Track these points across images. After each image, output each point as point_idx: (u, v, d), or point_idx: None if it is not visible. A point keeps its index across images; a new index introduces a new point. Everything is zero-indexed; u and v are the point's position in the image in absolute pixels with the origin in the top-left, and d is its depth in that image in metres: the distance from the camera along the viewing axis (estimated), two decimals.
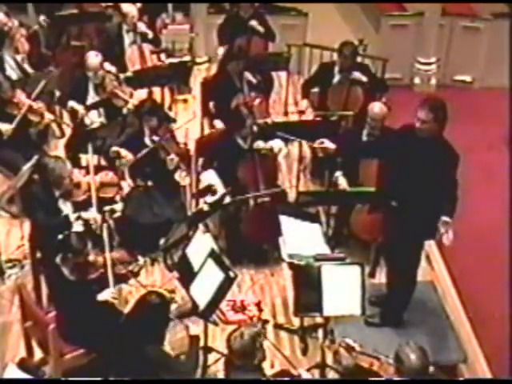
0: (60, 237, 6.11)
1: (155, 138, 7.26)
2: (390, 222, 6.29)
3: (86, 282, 5.85)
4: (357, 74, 8.15)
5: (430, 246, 7.39)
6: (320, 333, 6.39)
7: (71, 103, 7.97)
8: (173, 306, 6.10)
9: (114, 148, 7.25)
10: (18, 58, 8.59)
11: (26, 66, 8.63)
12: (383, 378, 5.38)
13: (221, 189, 7.06)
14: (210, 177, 7.23)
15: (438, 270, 7.36)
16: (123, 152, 7.19)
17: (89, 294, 5.84)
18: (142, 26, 9.18)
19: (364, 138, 7.16)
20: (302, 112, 8.38)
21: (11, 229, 7.51)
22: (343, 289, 5.75)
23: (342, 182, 7.02)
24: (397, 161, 6.20)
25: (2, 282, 7.00)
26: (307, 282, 5.77)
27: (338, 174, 7.06)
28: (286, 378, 5.53)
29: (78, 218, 6.35)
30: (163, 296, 5.56)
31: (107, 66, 8.55)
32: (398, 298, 6.54)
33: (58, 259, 5.84)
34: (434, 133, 5.88)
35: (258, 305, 6.80)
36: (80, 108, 7.92)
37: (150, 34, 9.21)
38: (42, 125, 7.74)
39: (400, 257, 6.32)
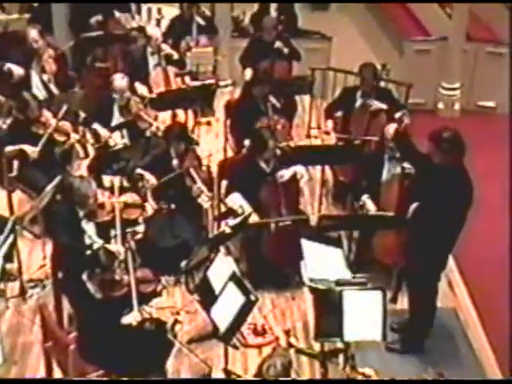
0: (88, 252, 6.15)
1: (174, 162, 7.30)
2: (411, 247, 6.27)
3: (110, 300, 5.85)
4: (376, 104, 8.16)
5: (453, 272, 7.35)
6: (341, 358, 6.35)
7: (95, 126, 8.01)
8: (177, 328, 6.09)
9: (139, 170, 7.30)
10: (45, 77, 8.69)
11: (52, 87, 8.70)
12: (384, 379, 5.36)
13: (248, 209, 7.05)
14: (235, 199, 7.21)
15: (461, 296, 7.31)
16: (147, 175, 7.23)
17: (113, 312, 5.84)
18: (166, 48, 9.26)
19: (386, 162, 7.16)
20: (327, 133, 8.36)
21: (33, 249, 7.54)
22: (364, 314, 5.71)
23: (370, 205, 6.99)
24: (416, 186, 6.22)
25: (23, 302, 7.02)
26: (328, 306, 5.74)
27: (365, 197, 7.04)
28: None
29: (102, 248, 6.33)
30: (160, 322, 5.51)
31: (138, 85, 8.63)
32: (419, 324, 6.50)
33: (84, 276, 5.86)
34: (446, 163, 5.88)
35: (288, 332, 6.74)
36: (104, 132, 7.96)
37: (175, 56, 9.27)
38: (68, 145, 7.80)
39: (421, 283, 6.30)
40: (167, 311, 6.70)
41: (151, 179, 7.25)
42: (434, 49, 10.37)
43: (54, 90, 8.71)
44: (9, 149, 7.55)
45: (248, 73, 9.26)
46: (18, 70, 8.61)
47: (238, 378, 5.25)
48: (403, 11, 11.64)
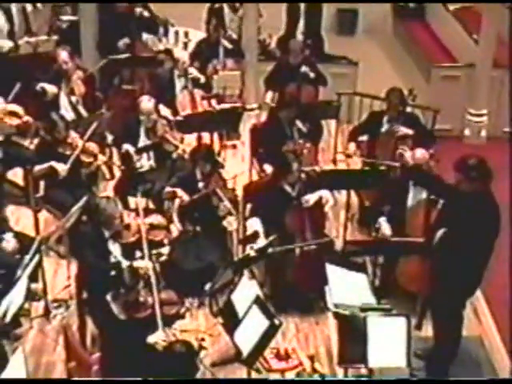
0: (113, 273, 6.16)
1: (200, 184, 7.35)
2: (437, 274, 6.23)
3: (134, 321, 5.85)
4: (402, 129, 8.14)
5: (478, 299, 7.29)
6: None
7: (126, 146, 8.05)
8: (202, 354, 6.07)
9: (169, 188, 7.34)
10: (73, 99, 8.76)
11: (81, 108, 8.77)
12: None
13: (261, 237, 7.05)
14: (254, 224, 7.22)
15: (486, 324, 7.25)
16: (179, 192, 7.26)
17: (136, 334, 5.83)
18: (193, 72, 9.31)
19: (411, 187, 7.14)
20: (349, 156, 8.37)
21: (58, 269, 7.57)
22: (389, 340, 5.67)
23: (386, 228, 6.97)
24: (443, 212, 6.19)
25: (47, 322, 7.03)
26: (352, 332, 5.71)
27: (382, 219, 7.03)
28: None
29: (130, 267, 6.34)
30: (190, 345, 5.50)
31: (162, 108, 8.68)
32: (444, 351, 6.45)
33: (108, 296, 5.86)
34: (474, 190, 5.86)
35: (312, 358, 6.69)
36: (132, 152, 8.01)
37: (202, 79, 9.32)
38: (94, 166, 7.85)
39: (446, 311, 6.25)
40: (190, 334, 6.70)
41: (183, 195, 7.27)
42: (461, 75, 10.35)
43: (82, 112, 8.77)
44: (38, 167, 7.61)
45: (269, 95, 9.29)
46: (51, 88, 8.68)
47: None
48: (430, 37, 11.65)
